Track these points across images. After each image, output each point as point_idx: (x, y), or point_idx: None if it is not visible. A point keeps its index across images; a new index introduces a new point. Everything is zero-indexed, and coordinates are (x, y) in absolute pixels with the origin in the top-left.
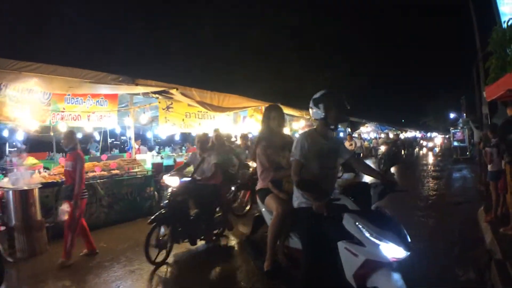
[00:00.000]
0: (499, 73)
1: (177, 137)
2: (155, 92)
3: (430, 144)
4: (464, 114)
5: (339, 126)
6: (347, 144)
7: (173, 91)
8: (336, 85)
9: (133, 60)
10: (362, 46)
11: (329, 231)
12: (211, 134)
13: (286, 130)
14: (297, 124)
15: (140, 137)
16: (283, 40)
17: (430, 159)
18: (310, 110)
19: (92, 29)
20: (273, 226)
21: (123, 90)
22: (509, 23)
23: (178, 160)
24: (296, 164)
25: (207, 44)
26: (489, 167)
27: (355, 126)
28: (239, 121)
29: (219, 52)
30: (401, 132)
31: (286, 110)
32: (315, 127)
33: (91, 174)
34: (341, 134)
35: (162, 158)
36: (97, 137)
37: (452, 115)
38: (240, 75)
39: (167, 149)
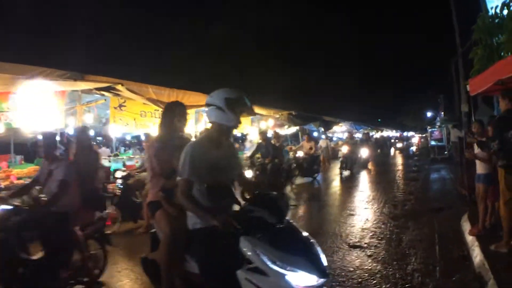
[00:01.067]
0: (485, 64)
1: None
2: (102, 89)
3: (399, 145)
4: (442, 113)
5: (312, 125)
6: (306, 145)
7: (119, 87)
8: (306, 82)
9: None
10: (336, 42)
11: (226, 257)
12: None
13: (254, 130)
14: (265, 124)
15: (104, 137)
16: (250, 36)
17: (406, 159)
18: (208, 109)
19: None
20: (163, 250)
21: (67, 86)
22: (497, 10)
23: (128, 163)
24: (184, 184)
25: (167, 41)
26: (479, 168)
27: (328, 126)
28: (202, 119)
29: (182, 49)
30: (377, 131)
31: (262, 110)
32: (205, 133)
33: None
34: (315, 134)
35: (109, 162)
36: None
37: (429, 114)
38: (204, 72)
39: (131, 150)
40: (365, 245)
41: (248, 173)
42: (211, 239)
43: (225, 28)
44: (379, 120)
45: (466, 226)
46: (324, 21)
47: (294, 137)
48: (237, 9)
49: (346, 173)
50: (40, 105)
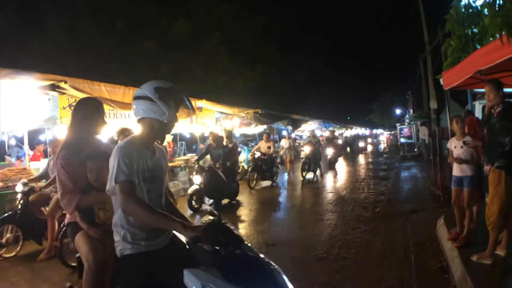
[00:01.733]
0: (458, 56)
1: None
2: (46, 88)
3: (362, 144)
4: (411, 110)
5: (280, 123)
6: (263, 145)
7: (63, 85)
8: (270, 80)
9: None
10: (303, 39)
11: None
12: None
13: (217, 129)
14: (230, 123)
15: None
16: (212, 32)
17: (376, 157)
18: (135, 104)
19: None
20: (86, 282)
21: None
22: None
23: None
24: (127, 186)
25: (125, 35)
26: (463, 170)
27: (297, 124)
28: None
29: (140, 45)
30: (346, 129)
31: (217, 107)
32: (137, 133)
33: None
34: (284, 133)
35: None
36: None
37: (398, 111)
38: (165, 69)
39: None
40: (333, 256)
41: (196, 179)
42: (147, 268)
43: (188, 23)
44: (348, 117)
45: (442, 231)
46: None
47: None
48: (200, 1)
49: (309, 175)
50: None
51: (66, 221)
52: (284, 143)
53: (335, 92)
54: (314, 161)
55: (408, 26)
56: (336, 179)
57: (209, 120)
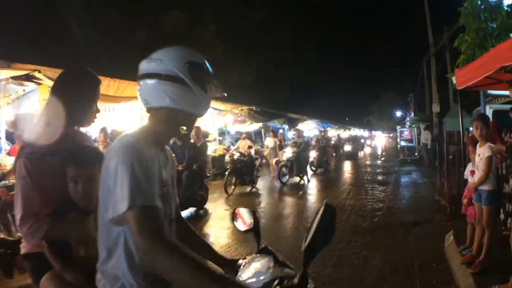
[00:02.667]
0: (473, 53)
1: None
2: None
3: (348, 148)
4: (412, 113)
5: (276, 122)
6: (243, 144)
7: (36, 74)
8: (267, 76)
9: None
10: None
11: None
12: None
13: (209, 126)
14: (223, 120)
15: None
16: (207, 25)
17: (374, 160)
18: (151, 85)
19: None
20: None
21: None
22: None
23: None
24: (154, 215)
25: (115, 25)
26: (481, 183)
27: (293, 123)
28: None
29: (130, 36)
30: (345, 130)
31: (216, 104)
32: (146, 126)
33: None
34: (281, 131)
35: None
36: None
37: (398, 113)
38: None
39: None
40: (325, 279)
41: None
42: None
43: (181, 15)
44: (347, 118)
45: (452, 251)
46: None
47: (259, 135)
48: None
49: (293, 179)
50: None
51: (22, 250)
52: (269, 142)
53: (334, 92)
54: (298, 165)
55: (412, 26)
56: (325, 184)
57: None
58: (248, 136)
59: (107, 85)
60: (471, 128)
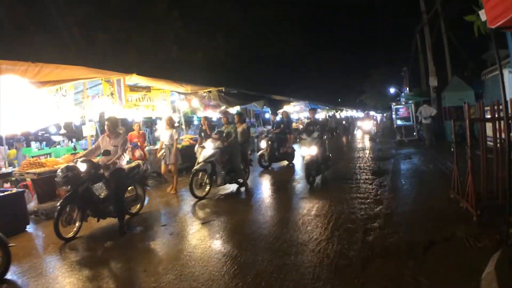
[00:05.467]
0: None
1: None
2: None
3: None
4: (407, 88)
5: (255, 104)
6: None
7: None
8: (241, 54)
9: None
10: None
11: None
12: None
13: (166, 109)
14: (186, 105)
15: None
16: None
17: (370, 142)
18: None
19: None
20: None
21: None
22: None
23: None
24: None
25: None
26: None
27: (276, 106)
28: (87, 100)
29: (71, 11)
30: (336, 112)
31: (160, 84)
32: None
33: None
34: (267, 115)
35: None
36: None
37: (392, 90)
38: (103, 40)
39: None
40: None
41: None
42: None
43: None
44: (339, 100)
45: None
46: None
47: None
48: None
49: (205, 190)
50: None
51: None
52: (164, 135)
53: (323, 72)
54: (226, 166)
55: None
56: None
57: (160, 101)
58: (170, 122)
59: (25, 70)
60: None
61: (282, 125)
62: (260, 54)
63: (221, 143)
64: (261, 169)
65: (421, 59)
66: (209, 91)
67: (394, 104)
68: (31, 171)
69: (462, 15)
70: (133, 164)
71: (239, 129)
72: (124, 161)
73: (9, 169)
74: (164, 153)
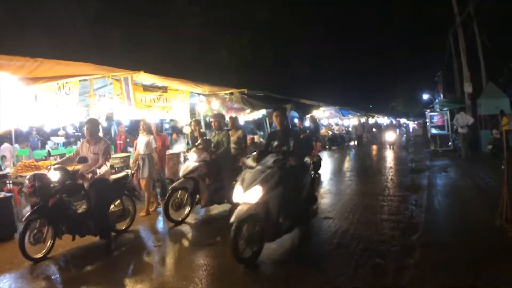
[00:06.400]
0: None
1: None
2: None
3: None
4: (441, 95)
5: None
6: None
7: None
8: (265, 55)
9: None
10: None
11: None
12: None
13: (184, 111)
14: (206, 107)
15: None
16: None
17: (399, 152)
18: None
19: None
20: None
21: None
22: None
23: None
24: None
25: None
26: None
27: (305, 110)
28: (94, 100)
29: (81, 5)
30: (368, 118)
31: (173, 83)
32: None
33: None
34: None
35: None
36: None
37: (425, 97)
38: (117, 38)
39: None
40: None
41: None
42: None
43: None
44: (371, 106)
45: None
46: None
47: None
48: None
49: (184, 213)
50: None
51: None
52: (140, 142)
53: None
54: (211, 183)
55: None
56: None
57: (177, 103)
58: (147, 127)
59: (22, 66)
60: None
61: (308, 131)
62: (288, 55)
63: (208, 155)
64: None
65: (455, 64)
66: (231, 93)
67: (428, 111)
68: (24, 175)
69: (497, 19)
70: (120, 174)
71: (233, 137)
72: (103, 169)
73: (6, 171)
74: (138, 164)
